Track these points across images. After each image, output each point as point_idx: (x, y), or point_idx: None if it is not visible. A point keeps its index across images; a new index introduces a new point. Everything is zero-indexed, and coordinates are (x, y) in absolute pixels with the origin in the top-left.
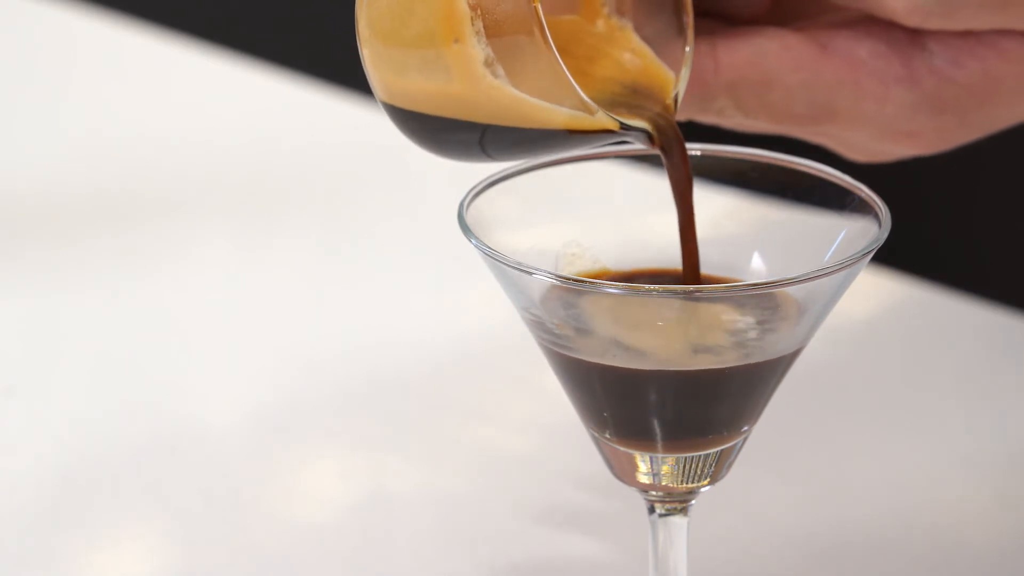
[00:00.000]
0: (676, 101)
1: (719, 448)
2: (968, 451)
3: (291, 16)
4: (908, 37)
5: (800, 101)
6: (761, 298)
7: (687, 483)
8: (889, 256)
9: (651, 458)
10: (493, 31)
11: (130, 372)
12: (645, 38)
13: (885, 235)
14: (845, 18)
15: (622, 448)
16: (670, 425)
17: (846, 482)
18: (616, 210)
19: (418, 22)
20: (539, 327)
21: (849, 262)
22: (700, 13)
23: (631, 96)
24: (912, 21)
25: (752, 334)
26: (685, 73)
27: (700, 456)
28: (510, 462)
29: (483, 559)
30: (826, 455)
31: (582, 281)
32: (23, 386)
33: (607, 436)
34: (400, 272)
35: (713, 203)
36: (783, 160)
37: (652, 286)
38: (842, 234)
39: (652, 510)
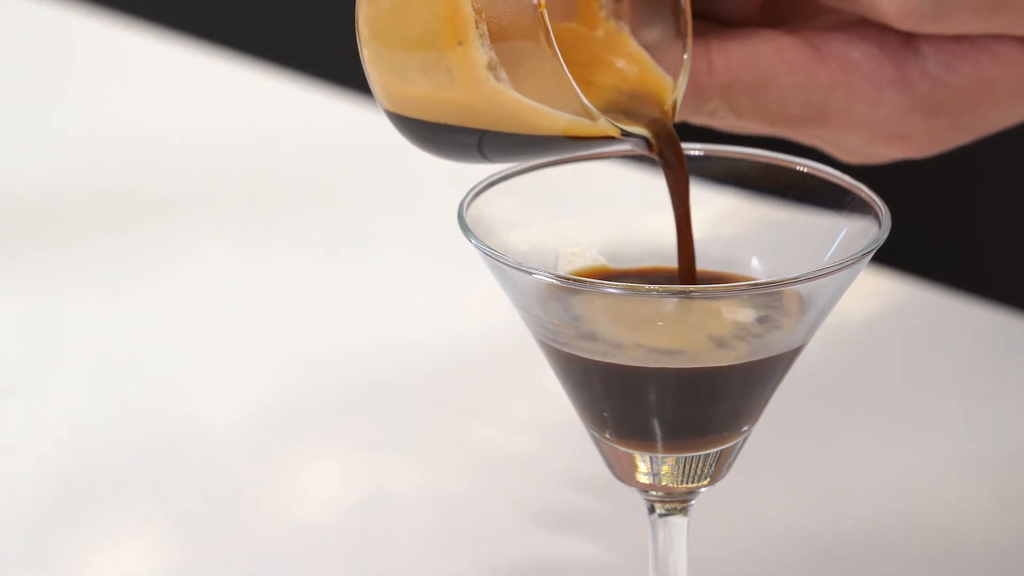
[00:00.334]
0: (674, 107)
1: (719, 448)
2: (968, 451)
3: (291, 16)
4: (901, 40)
5: (794, 103)
6: (762, 297)
7: (687, 483)
8: (889, 256)
9: (651, 458)
10: (497, 35)
11: (130, 372)
12: (642, 42)
13: (885, 235)
14: (839, 21)
15: (622, 448)
16: (670, 425)
17: (846, 482)
18: (616, 210)
19: (420, 24)
20: (539, 326)
21: (849, 262)
22: (694, 15)
23: (629, 102)
24: (905, 25)
25: (754, 331)
26: (683, 80)
27: (700, 456)
28: (510, 462)
29: (483, 559)
30: (826, 455)
31: (582, 281)
32: (23, 386)
33: (607, 436)
34: (400, 272)
35: (713, 203)
36: (783, 160)
37: (652, 286)
38: (842, 234)
39: (652, 510)
